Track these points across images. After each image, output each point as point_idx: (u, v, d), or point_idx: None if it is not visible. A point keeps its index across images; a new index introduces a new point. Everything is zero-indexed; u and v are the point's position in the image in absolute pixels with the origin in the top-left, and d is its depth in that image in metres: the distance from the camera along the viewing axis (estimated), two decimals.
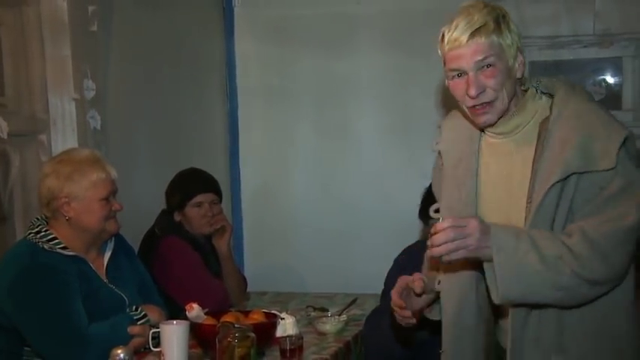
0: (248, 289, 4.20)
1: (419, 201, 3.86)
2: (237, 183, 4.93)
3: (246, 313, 3.20)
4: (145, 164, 4.11)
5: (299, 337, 3.06)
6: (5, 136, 3.13)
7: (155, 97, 4.21)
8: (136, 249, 3.69)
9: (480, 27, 2.18)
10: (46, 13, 3.49)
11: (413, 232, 3.86)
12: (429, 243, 2.12)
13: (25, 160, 3.39)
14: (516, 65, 2.25)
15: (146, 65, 4.12)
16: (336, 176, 4.82)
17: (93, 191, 2.94)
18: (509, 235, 2.13)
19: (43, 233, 2.93)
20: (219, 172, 4.33)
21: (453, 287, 2.39)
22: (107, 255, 3.10)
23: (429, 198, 2.91)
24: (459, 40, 2.19)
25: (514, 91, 2.26)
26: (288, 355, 2.99)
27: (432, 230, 2.11)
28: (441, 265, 2.40)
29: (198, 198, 3.85)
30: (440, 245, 2.09)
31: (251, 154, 4.92)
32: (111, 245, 3.12)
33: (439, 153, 2.51)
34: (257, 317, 3.14)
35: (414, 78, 4.62)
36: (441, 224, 2.10)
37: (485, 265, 2.15)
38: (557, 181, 2.14)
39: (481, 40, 2.18)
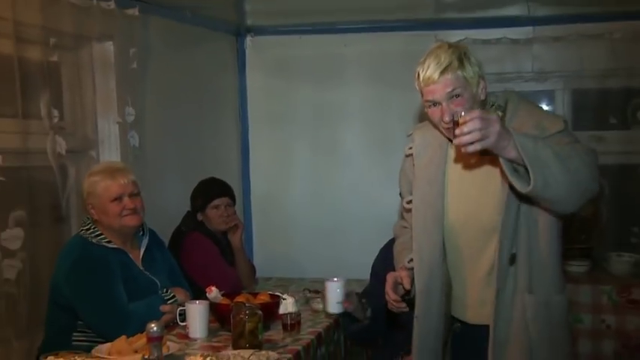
0: (256, 275, 4.20)
1: (395, 204, 3.86)
2: (248, 189, 4.91)
3: (255, 295, 3.21)
4: (174, 174, 4.10)
5: (297, 314, 3.08)
6: (64, 153, 3.14)
7: (182, 121, 4.20)
8: (166, 242, 3.73)
9: (446, 66, 2.20)
10: (97, 54, 3.51)
11: (390, 229, 3.87)
12: (457, 132, 1.98)
13: (79, 171, 3.37)
14: (479, 91, 2.27)
15: (175, 95, 4.12)
16: (328, 184, 4.82)
17: (104, 195, 2.96)
18: (526, 136, 2.05)
19: (92, 230, 2.96)
20: (233, 181, 4.32)
21: (423, 266, 2.40)
22: (142, 248, 3.12)
23: None
24: (432, 78, 2.22)
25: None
26: (288, 328, 3.01)
27: (461, 121, 1.97)
28: (413, 242, 2.43)
29: (216, 201, 3.85)
30: (467, 134, 1.95)
31: (259, 166, 4.90)
32: (145, 240, 3.14)
33: (407, 156, 2.52)
34: (263, 298, 3.14)
35: (391, 105, 4.64)
36: (469, 114, 1.96)
37: (507, 167, 2.03)
38: None
39: (449, 77, 2.20)
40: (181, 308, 3.00)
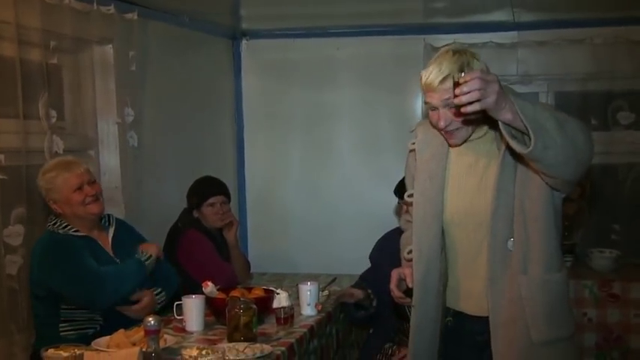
0: (251, 271, 4.19)
1: (385, 201, 3.91)
2: (243, 187, 4.91)
3: (250, 289, 3.20)
4: (172, 173, 4.10)
5: (291, 307, 3.07)
6: (61, 152, 3.13)
7: (179, 121, 4.20)
8: (164, 239, 3.72)
9: (446, 76, 2.17)
10: (97, 57, 3.52)
11: (380, 225, 3.84)
12: (456, 92, 1.90)
13: None
14: None
15: (173, 96, 4.11)
16: (321, 182, 4.81)
17: (64, 187, 2.92)
18: (525, 100, 1.98)
19: (58, 223, 2.95)
20: (229, 179, 4.32)
21: (422, 258, 2.38)
22: (110, 233, 3.10)
23: (401, 185, 2.88)
24: (432, 85, 2.20)
25: (477, 118, 2.22)
26: (282, 322, 3.00)
27: (461, 80, 1.90)
28: (413, 234, 2.41)
29: (212, 199, 3.83)
30: (467, 93, 1.88)
31: (254, 164, 4.89)
32: (112, 230, 3.12)
33: (410, 152, 2.50)
34: (258, 292, 3.14)
35: (380, 107, 4.65)
36: (469, 74, 1.90)
37: (505, 131, 1.97)
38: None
39: (447, 86, 2.15)
40: (178, 302, 2.99)
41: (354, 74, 4.71)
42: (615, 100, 4.39)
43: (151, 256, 3.05)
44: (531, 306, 2.23)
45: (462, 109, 1.93)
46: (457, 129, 2.26)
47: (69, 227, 2.95)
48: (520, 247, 2.23)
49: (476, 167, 2.32)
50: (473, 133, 2.30)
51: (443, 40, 4.37)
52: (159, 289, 3.09)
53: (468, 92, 1.89)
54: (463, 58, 2.21)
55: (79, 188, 2.95)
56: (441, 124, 2.23)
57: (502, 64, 4.43)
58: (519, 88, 4.39)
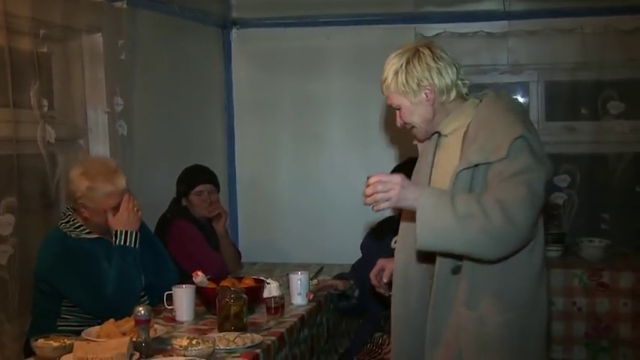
0: (242, 260, 4.18)
1: None
2: (234, 177, 4.90)
3: (240, 279, 3.19)
4: (161, 163, 4.08)
5: (281, 297, 3.07)
6: (53, 141, 3.12)
7: (169, 110, 4.18)
8: (154, 229, 3.67)
9: (383, 82, 2.29)
10: (86, 45, 3.50)
11: (371, 215, 3.86)
12: (363, 192, 2.07)
13: (68, 159, 3.37)
14: (423, 97, 2.25)
15: (163, 86, 4.10)
16: (311, 172, 4.82)
17: (104, 202, 2.90)
18: (433, 194, 2.08)
19: (71, 222, 2.92)
20: (219, 169, 4.30)
21: (404, 246, 2.39)
22: None
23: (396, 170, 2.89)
24: (381, 88, 2.32)
25: (431, 113, 2.27)
26: (272, 311, 3.00)
27: (366, 182, 2.07)
28: (400, 225, 2.45)
29: (199, 187, 3.82)
30: (369, 196, 2.05)
31: (244, 154, 4.89)
32: None
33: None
34: (248, 282, 3.13)
35: (370, 97, 4.56)
36: (373, 177, 2.06)
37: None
38: (463, 169, 2.14)
39: (385, 91, 2.30)
40: (168, 292, 2.99)
41: (344, 63, 4.70)
42: (605, 89, 4.41)
43: (131, 232, 2.96)
44: (465, 339, 2.20)
45: (372, 208, 2.09)
46: (413, 128, 2.33)
47: (82, 228, 2.93)
48: (466, 280, 2.19)
49: (452, 160, 2.30)
50: (443, 128, 2.32)
51: (433, 29, 4.41)
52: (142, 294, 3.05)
53: (371, 195, 2.05)
54: (404, 57, 2.26)
55: (116, 207, 2.93)
56: (397, 124, 2.33)
57: (492, 54, 4.46)
58: (509, 78, 4.46)
